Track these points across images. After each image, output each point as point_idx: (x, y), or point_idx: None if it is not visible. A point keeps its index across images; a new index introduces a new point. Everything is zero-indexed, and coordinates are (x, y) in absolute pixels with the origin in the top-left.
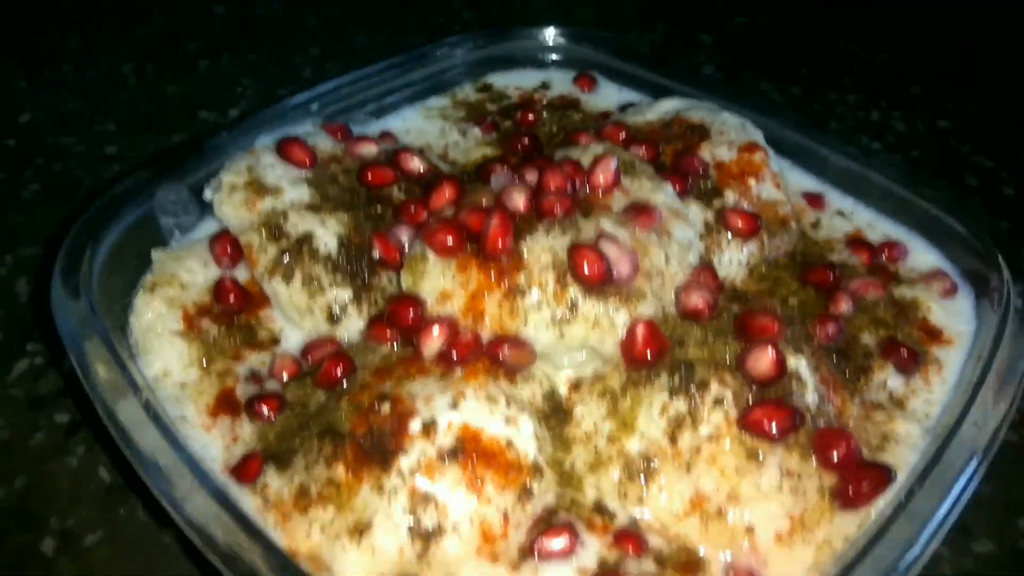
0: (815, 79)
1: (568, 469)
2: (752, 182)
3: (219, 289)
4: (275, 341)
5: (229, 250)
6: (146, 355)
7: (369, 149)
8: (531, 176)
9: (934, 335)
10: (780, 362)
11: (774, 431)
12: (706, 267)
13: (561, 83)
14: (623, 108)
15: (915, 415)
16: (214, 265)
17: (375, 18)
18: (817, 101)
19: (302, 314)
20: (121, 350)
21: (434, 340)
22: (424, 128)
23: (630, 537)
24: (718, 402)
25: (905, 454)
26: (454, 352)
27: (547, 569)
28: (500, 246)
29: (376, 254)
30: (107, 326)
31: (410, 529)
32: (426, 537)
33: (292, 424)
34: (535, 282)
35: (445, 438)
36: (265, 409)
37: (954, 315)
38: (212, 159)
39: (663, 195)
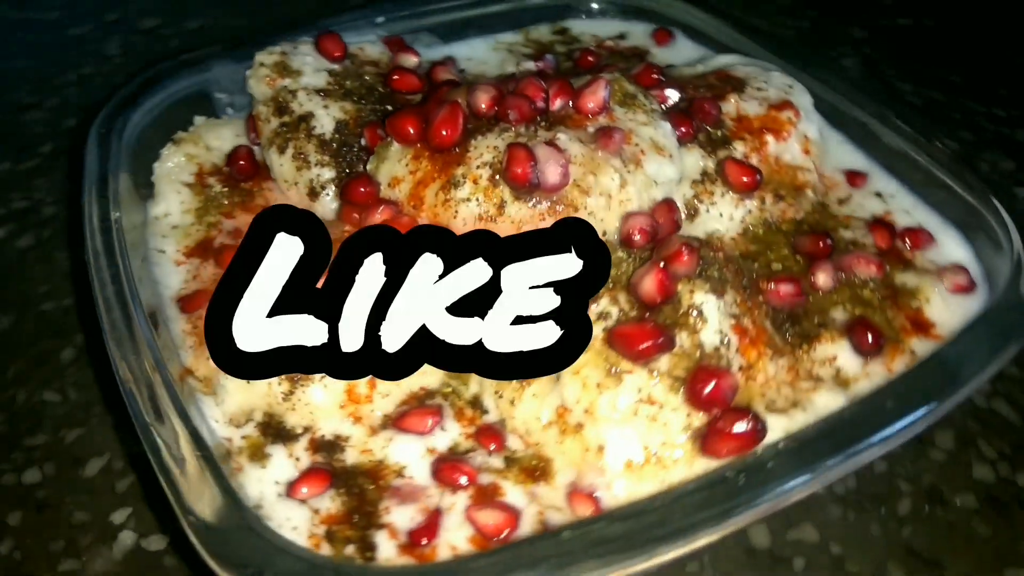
0: (964, 87)
1: None
2: (770, 139)
3: (232, 154)
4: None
5: (254, 124)
6: (157, 197)
7: (409, 59)
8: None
9: (922, 327)
10: (665, 286)
11: (636, 348)
12: (666, 201)
13: (639, 36)
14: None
15: (850, 395)
16: (244, 138)
17: None
18: (958, 110)
19: (289, 185)
20: (141, 190)
21: (376, 218)
22: (486, 58)
23: (492, 434)
24: (602, 316)
25: (804, 419)
26: None
27: (399, 441)
28: (443, 135)
29: (363, 142)
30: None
31: None
32: (294, 379)
33: None
34: (470, 176)
35: None
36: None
37: (955, 313)
38: None
39: (652, 129)
